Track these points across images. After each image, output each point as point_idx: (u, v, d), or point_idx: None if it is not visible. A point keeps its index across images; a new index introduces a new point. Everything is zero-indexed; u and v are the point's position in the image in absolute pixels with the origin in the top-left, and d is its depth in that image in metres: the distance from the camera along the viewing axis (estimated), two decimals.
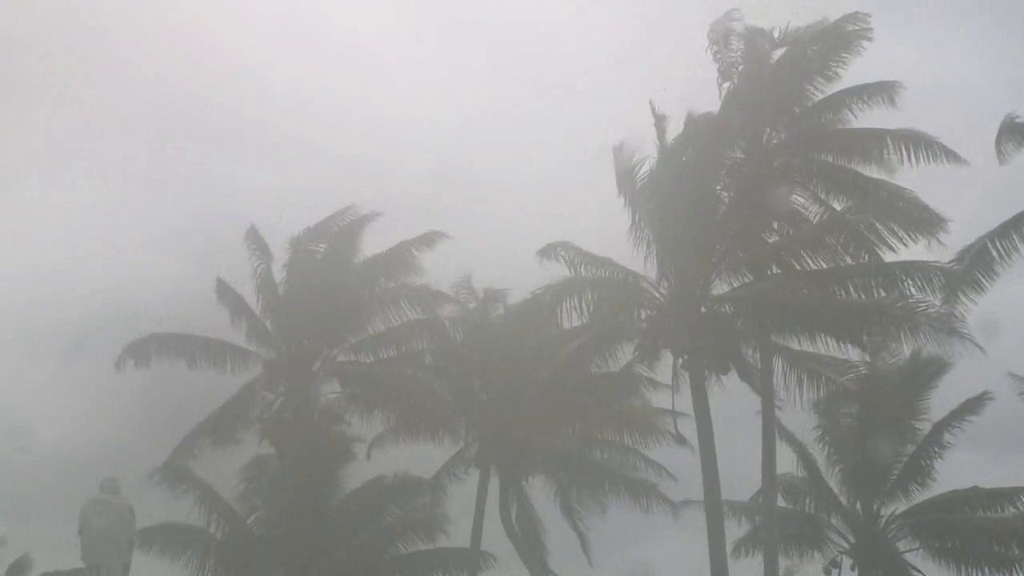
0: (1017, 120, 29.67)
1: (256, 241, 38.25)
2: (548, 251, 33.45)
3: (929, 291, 30.64)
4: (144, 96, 62.05)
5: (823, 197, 33.06)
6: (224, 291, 37.63)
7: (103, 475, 25.15)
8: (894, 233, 31.29)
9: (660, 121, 32.20)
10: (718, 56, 33.81)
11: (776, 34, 33.67)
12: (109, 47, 66.52)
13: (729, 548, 34.18)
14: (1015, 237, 29.50)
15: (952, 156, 31.86)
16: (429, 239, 38.10)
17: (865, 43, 32.78)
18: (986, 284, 29.50)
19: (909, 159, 32.24)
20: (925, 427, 36.57)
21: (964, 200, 31.89)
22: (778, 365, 32.19)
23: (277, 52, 67.51)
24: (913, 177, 32.20)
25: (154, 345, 37.17)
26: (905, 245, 31.32)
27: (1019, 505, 35.68)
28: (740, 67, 33.56)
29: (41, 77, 62.21)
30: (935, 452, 36.23)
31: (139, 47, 67.86)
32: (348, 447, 36.00)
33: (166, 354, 37.16)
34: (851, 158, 32.97)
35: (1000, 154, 29.71)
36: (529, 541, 37.99)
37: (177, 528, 35.00)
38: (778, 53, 33.74)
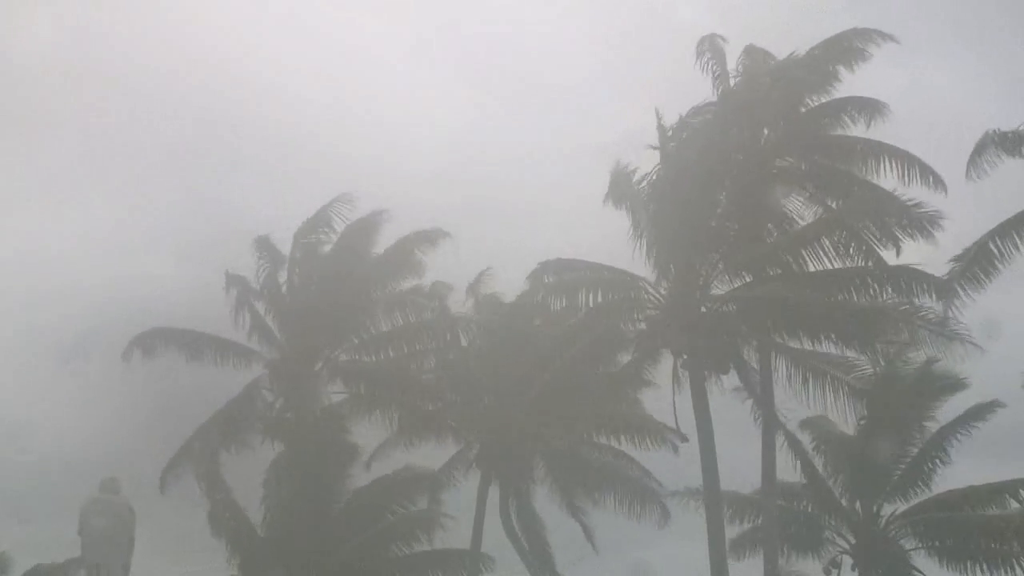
0: (1006, 132, 29.51)
1: (267, 249, 38.26)
2: (540, 271, 33.46)
3: (927, 296, 30.87)
4: (144, 97, 62.06)
5: (820, 199, 33.23)
6: (233, 284, 37.56)
7: (103, 475, 25.17)
8: (890, 232, 31.49)
9: (663, 131, 32.30)
10: (711, 64, 34.00)
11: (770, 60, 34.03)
12: (109, 47, 66.56)
13: (729, 548, 34.19)
14: (1015, 236, 29.56)
15: (940, 185, 32.19)
16: (432, 237, 38.03)
17: (863, 59, 33.07)
18: (985, 281, 29.55)
19: (902, 178, 32.51)
20: (931, 428, 36.52)
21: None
22: (782, 365, 32.23)
23: (279, 53, 67.54)
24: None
25: (160, 338, 37.31)
26: (903, 240, 31.57)
27: (1017, 500, 35.64)
28: (738, 70, 33.77)
29: (41, 78, 62.29)
30: (939, 458, 36.17)
31: (139, 48, 67.88)
32: (350, 448, 35.94)
33: (171, 347, 37.26)
34: (847, 163, 33.16)
35: (974, 167, 29.54)
36: (533, 542, 37.91)
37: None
38: (774, 62, 34.02)
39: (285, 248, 38.58)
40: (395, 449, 37.44)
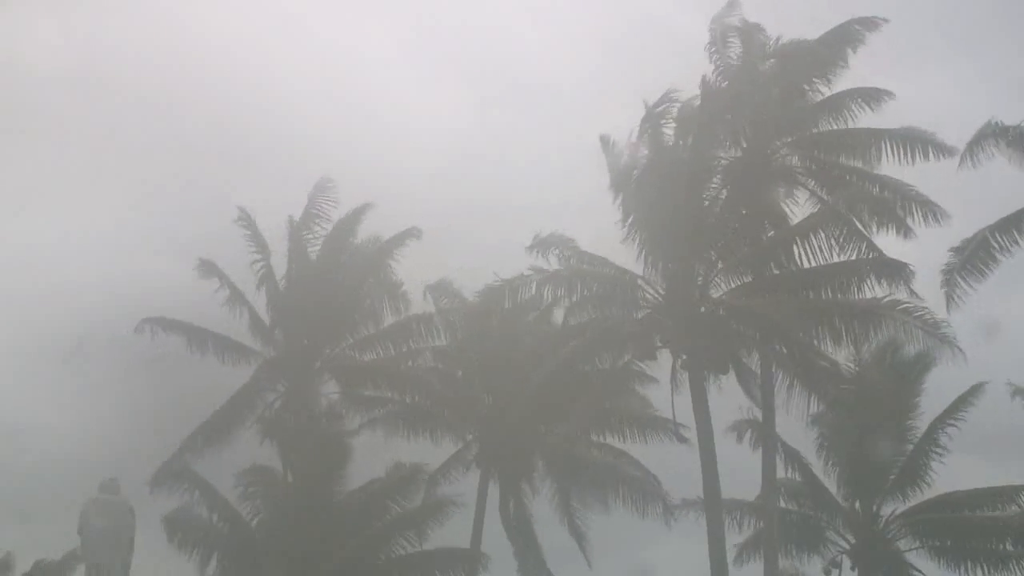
0: (1008, 127, 29.51)
1: (249, 226, 38.05)
2: (541, 246, 33.03)
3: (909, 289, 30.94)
4: (145, 97, 62.04)
5: (822, 195, 33.22)
6: (210, 272, 37.16)
7: (103, 475, 25.20)
8: (885, 223, 31.63)
9: (654, 116, 32.12)
10: (715, 56, 33.93)
11: (771, 43, 33.97)
12: (109, 48, 66.58)
13: (730, 551, 34.17)
14: (1015, 232, 29.60)
15: (947, 151, 32.13)
16: (406, 237, 38.00)
17: (862, 47, 33.13)
18: (987, 271, 29.61)
19: (907, 157, 32.51)
20: (921, 425, 36.53)
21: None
22: (778, 373, 32.17)
23: (279, 54, 67.54)
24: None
25: (165, 324, 37.18)
26: (897, 232, 31.72)
27: (1018, 503, 35.65)
28: (735, 65, 33.74)
29: (41, 79, 62.34)
30: (933, 451, 36.17)
31: (138, 48, 67.87)
32: (348, 447, 35.91)
33: (174, 333, 37.12)
34: (849, 156, 33.16)
35: (971, 156, 29.57)
36: (533, 541, 37.88)
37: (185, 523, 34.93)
38: (773, 58, 34.02)
39: (277, 246, 38.61)
40: (394, 445, 37.49)
